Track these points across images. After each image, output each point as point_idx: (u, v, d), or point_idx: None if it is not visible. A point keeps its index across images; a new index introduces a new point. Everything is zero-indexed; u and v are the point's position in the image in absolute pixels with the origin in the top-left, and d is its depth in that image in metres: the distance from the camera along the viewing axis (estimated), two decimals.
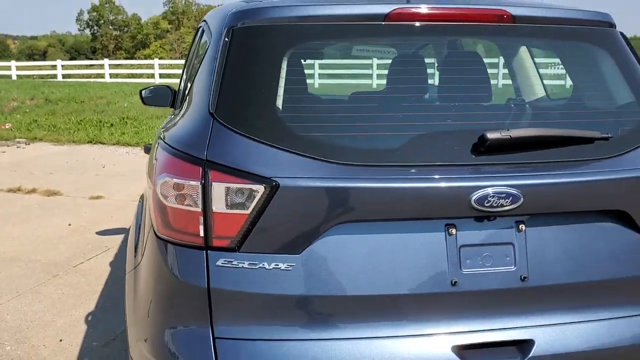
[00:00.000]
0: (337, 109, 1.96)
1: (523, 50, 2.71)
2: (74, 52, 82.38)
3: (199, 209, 1.63)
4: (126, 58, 59.81)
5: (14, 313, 3.79)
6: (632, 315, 1.78)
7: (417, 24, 1.83)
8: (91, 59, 59.36)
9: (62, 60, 33.03)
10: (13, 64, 28.06)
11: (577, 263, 1.73)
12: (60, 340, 3.46)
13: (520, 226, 1.70)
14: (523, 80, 2.72)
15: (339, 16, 1.82)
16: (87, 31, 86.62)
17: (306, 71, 2.19)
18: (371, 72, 18.42)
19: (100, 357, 3.23)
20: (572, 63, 2.14)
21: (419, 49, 2.32)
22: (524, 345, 1.69)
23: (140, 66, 29.36)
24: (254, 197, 1.60)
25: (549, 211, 1.72)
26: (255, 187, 1.60)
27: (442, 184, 1.63)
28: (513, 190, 1.64)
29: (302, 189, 1.60)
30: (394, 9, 1.79)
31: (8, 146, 9.92)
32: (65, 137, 10.58)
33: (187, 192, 1.64)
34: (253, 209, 1.60)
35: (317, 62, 15.75)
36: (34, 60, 60.33)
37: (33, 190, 6.89)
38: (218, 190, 1.61)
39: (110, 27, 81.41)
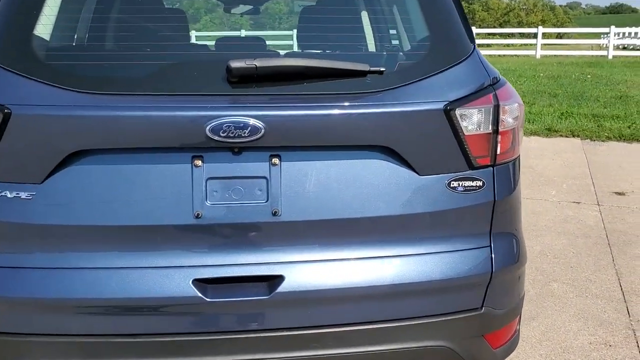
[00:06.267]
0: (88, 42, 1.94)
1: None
2: None
3: None
4: None
5: None
6: (393, 256, 1.69)
7: None
8: None
9: None
10: None
11: (337, 199, 1.65)
12: None
13: (274, 160, 1.63)
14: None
15: None
16: None
17: None
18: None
19: None
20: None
21: None
22: (272, 281, 1.63)
23: None
24: None
25: (305, 145, 1.64)
26: None
27: (178, 113, 1.58)
28: (251, 121, 1.57)
29: (38, 116, 1.58)
30: None
31: None
32: None
33: None
34: None
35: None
36: None
37: None
38: None
39: None
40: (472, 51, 1.80)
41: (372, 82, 1.67)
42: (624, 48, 24.83)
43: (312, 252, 1.65)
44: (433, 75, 1.72)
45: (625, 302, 3.44)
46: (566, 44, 25.33)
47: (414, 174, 1.70)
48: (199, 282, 1.61)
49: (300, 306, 1.64)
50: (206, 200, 1.61)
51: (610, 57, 20.81)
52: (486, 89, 1.75)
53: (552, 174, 6.22)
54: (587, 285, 3.65)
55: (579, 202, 5.28)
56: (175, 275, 1.60)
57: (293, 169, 1.64)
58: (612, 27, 21.51)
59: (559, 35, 41.21)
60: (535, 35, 22.72)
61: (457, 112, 1.70)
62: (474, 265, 1.74)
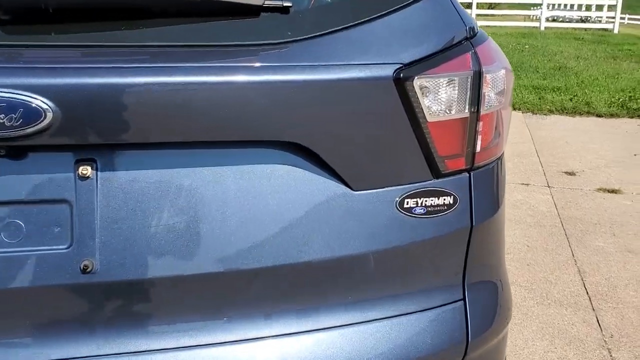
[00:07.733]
0: None
1: None
2: None
3: None
4: None
5: None
6: (309, 331, 0.99)
7: None
8: None
9: None
10: None
11: (207, 240, 0.93)
12: None
13: (83, 170, 0.88)
14: None
15: None
16: None
17: None
18: None
19: None
20: None
21: None
22: None
23: None
24: None
25: (143, 141, 0.89)
26: None
27: None
28: (32, 99, 0.81)
29: None
30: None
31: None
32: None
33: None
34: None
35: None
36: None
37: None
38: None
39: None
40: None
41: (272, 28, 0.94)
42: (554, 20, 25.03)
43: (157, 337, 0.93)
44: (376, 19, 1.00)
45: (593, 310, 2.92)
46: (500, 15, 25.33)
47: (344, 188, 0.99)
48: None
49: None
50: None
51: (542, 28, 20.85)
52: (461, 45, 1.06)
53: None
54: (547, 289, 3.11)
55: (527, 184, 4.80)
56: None
57: (120, 186, 0.90)
58: None
59: (491, 6, 41.77)
60: (469, 6, 22.45)
61: (416, 82, 0.99)
62: (440, 334, 1.07)
